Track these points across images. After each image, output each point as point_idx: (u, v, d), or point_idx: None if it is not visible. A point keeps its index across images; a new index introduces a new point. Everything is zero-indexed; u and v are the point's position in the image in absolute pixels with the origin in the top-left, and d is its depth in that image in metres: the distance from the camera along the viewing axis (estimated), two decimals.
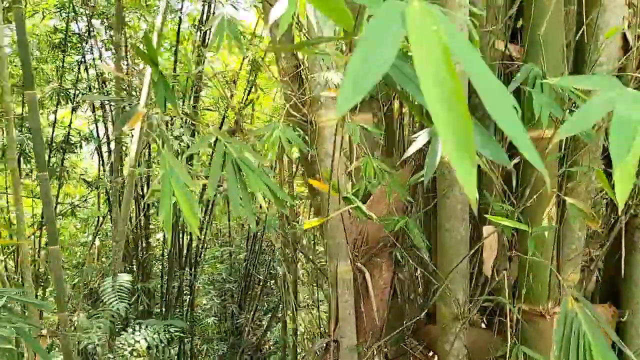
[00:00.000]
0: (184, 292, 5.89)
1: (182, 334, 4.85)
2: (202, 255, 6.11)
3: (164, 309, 5.63)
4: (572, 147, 1.56)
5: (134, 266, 5.55)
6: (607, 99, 0.79)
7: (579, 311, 1.06)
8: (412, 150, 1.17)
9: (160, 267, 6.01)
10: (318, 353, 1.80)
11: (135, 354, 3.58)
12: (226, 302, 6.06)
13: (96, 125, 5.33)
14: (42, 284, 5.29)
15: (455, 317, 1.74)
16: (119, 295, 3.32)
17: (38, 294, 4.66)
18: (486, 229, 1.57)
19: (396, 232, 1.94)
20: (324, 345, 1.83)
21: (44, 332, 2.36)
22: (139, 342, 3.56)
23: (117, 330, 4.19)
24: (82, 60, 4.95)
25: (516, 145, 0.48)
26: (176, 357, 5.36)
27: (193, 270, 5.72)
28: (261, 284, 5.82)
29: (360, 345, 1.92)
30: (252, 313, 6.10)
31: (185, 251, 5.65)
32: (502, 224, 1.36)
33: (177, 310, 5.75)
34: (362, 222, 1.93)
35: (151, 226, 6.02)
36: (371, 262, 1.93)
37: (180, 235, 5.64)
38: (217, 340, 6.10)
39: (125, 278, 3.59)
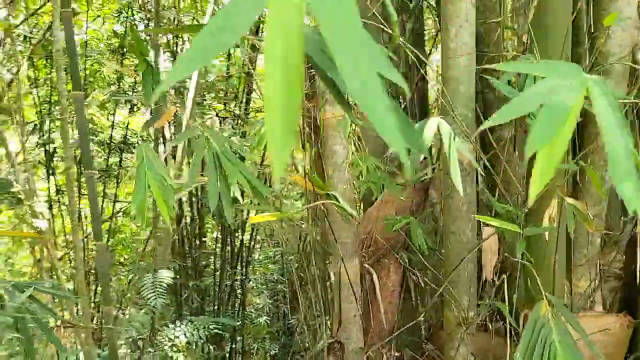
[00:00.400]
0: (236, 290, 6.05)
1: (232, 332, 4.99)
2: (252, 255, 6.25)
3: (216, 307, 5.80)
4: (582, 145, 1.48)
5: (188, 264, 5.76)
6: (551, 86, 0.77)
7: (552, 318, 1.01)
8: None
9: (213, 266, 6.20)
10: (321, 353, 1.81)
11: (174, 349, 3.72)
12: (278, 302, 6.16)
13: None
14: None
15: (460, 322, 1.69)
16: (157, 290, 3.46)
17: (91, 288, 4.94)
18: (486, 231, 1.52)
19: (406, 233, 1.91)
20: (327, 345, 1.83)
21: (58, 323, 2.52)
22: (178, 337, 3.70)
23: (163, 325, 4.36)
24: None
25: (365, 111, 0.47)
26: (227, 355, 5.52)
27: (244, 269, 5.87)
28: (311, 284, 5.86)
29: (367, 348, 1.91)
30: (303, 314, 6.14)
31: (237, 250, 5.80)
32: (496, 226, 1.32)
33: (229, 308, 5.91)
34: (371, 222, 1.92)
35: (207, 225, 6.22)
36: (379, 263, 1.91)
37: (233, 235, 5.79)
38: (268, 340, 6.21)
39: (165, 274, 3.74)
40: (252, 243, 6.09)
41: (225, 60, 5.22)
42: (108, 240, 6.51)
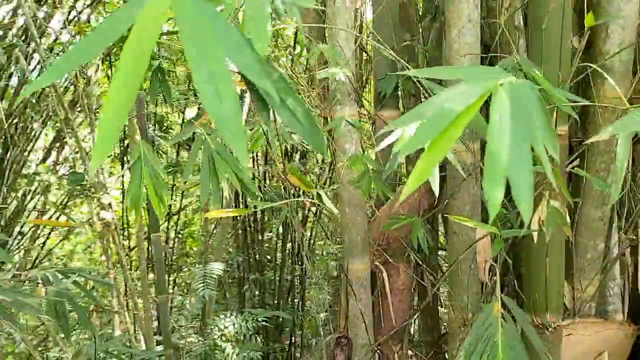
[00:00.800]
0: (296, 285, 6.21)
1: (292, 326, 5.16)
2: (313, 251, 6.39)
3: (276, 301, 6.01)
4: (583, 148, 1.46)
5: (251, 259, 5.99)
6: (454, 93, 0.83)
7: (502, 319, 1.03)
8: (381, 147, 1.22)
9: (274, 260, 6.40)
10: (328, 348, 1.89)
11: (223, 339, 3.93)
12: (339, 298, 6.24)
13: None
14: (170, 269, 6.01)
15: (462, 323, 1.71)
16: (206, 282, 3.68)
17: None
18: (478, 232, 1.53)
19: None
20: (335, 340, 1.91)
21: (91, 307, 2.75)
22: (227, 327, 3.90)
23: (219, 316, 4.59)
24: None
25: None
26: (287, 348, 5.71)
27: (304, 265, 6.02)
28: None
29: (376, 345, 1.97)
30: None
31: (298, 246, 5.95)
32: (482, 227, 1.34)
33: (289, 302, 6.09)
34: (383, 221, 1.97)
35: (270, 221, 6.44)
36: (390, 262, 1.96)
37: (294, 231, 5.95)
38: (327, 335, 6.30)
39: (216, 267, 3.96)
40: (313, 239, 6.23)
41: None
42: (179, 233, 6.92)
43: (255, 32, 0.72)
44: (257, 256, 6.06)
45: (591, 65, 1.30)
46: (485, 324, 1.04)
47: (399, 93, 2.09)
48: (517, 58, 1.31)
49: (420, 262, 1.95)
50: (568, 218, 1.59)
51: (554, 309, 1.53)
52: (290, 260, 5.89)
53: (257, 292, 5.90)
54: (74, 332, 4.26)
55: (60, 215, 5.38)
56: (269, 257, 6.35)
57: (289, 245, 5.83)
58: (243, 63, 0.61)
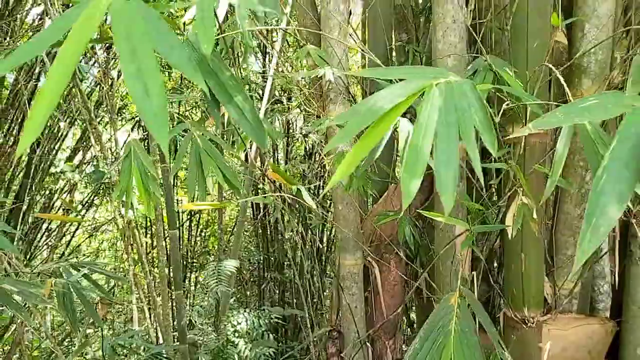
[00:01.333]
0: (315, 283, 6.29)
1: (311, 325, 5.23)
2: (332, 251, 6.46)
3: (295, 299, 6.11)
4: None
5: (271, 257, 6.11)
6: (387, 92, 0.91)
7: (458, 309, 1.09)
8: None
9: (293, 259, 6.50)
10: (319, 341, 1.96)
11: (237, 334, 4.04)
12: None
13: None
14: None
15: None
16: (219, 279, 3.79)
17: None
18: (458, 228, 1.59)
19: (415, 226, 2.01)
20: (326, 334, 1.98)
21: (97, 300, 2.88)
22: (240, 324, 4.01)
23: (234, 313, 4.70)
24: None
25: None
26: (307, 346, 5.80)
27: (323, 264, 6.10)
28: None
29: (368, 338, 2.03)
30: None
31: (317, 246, 6.03)
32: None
33: (308, 301, 6.15)
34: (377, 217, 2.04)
35: (290, 220, 6.54)
36: (382, 258, 2.03)
37: (314, 231, 6.04)
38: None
39: (230, 264, 4.07)
40: (333, 238, 6.30)
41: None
42: (202, 231, 7.10)
43: (202, 34, 0.81)
44: (276, 255, 6.18)
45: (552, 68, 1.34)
46: (441, 314, 1.10)
47: None
48: (488, 58, 1.37)
49: (411, 258, 2.01)
50: (549, 214, 1.64)
51: (533, 304, 1.57)
52: (309, 260, 5.97)
53: (276, 290, 6.01)
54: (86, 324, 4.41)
55: (77, 212, 5.58)
56: (289, 255, 6.46)
57: (308, 244, 5.92)
58: (177, 61, 0.69)
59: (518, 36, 1.51)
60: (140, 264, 4.63)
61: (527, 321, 1.57)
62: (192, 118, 6.30)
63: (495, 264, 1.85)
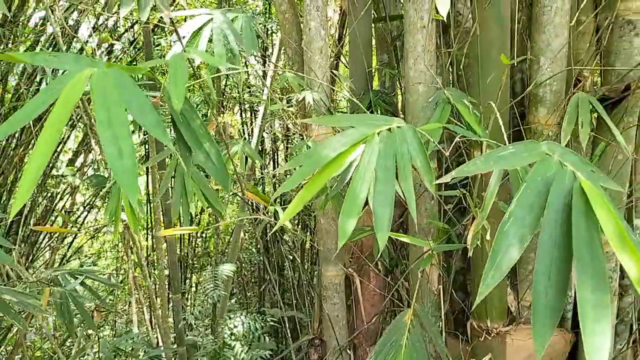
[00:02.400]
0: (315, 285, 6.43)
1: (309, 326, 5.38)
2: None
3: (295, 300, 6.25)
4: None
5: (271, 258, 6.25)
6: (338, 139, 1.04)
7: (411, 325, 1.24)
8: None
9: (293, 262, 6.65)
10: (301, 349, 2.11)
11: (233, 337, 4.20)
12: None
13: (243, 125, 6.09)
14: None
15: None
16: (215, 283, 3.95)
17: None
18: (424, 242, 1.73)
19: (390, 240, 2.15)
20: (308, 342, 2.13)
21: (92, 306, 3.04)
22: (236, 327, 4.17)
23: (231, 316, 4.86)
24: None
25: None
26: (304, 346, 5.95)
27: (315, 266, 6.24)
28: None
29: (355, 347, 2.18)
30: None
31: (315, 250, 6.17)
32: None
33: (307, 303, 6.31)
34: (357, 230, 2.19)
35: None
36: (362, 268, 2.18)
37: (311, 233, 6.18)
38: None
39: (226, 268, 4.23)
40: None
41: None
42: (203, 233, 7.26)
43: (173, 91, 0.96)
44: (276, 256, 6.33)
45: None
46: (395, 329, 1.24)
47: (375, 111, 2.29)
48: (447, 91, 1.51)
49: (389, 269, 2.16)
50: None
51: (495, 315, 1.71)
52: (309, 261, 6.13)
53: (276, 292, 6.16)
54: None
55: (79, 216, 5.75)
56: (290, 257, 6.61)
57: (307, 246, 6.07)
58: (147, 124, 0.84)
59: (482, 67, 1.65)
60: (140, 267, 4.80)
61: (490, 332, 1.71)
62: None
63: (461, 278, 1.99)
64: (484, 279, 0.82)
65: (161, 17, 5.29)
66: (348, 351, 2.15)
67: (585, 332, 0.73)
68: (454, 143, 1.35)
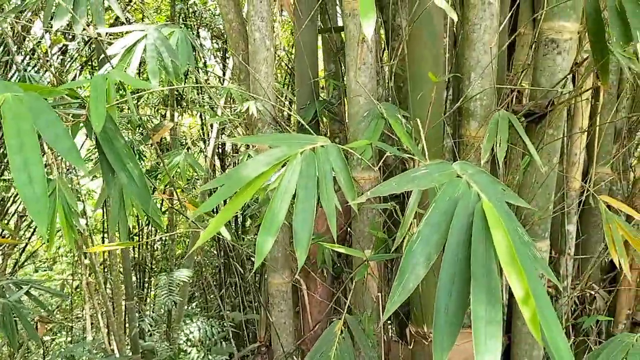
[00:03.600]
0: None
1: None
2: None
3: (255, 303, 6.25)
4: None
5: (232, 261, 6.22)
6: (259, 159, 1.06)
7: (341, 334, 1.28)
8: None
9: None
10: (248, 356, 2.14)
11: (189, 343, 4.19)
12: None
13: (202, 127, 6.06)
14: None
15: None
16: (170, 289, 3.93)
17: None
18: (367, 252, 1.78)
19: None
20: (255, 349, 2.16)
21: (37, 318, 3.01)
22: (192, 332, 4.15)
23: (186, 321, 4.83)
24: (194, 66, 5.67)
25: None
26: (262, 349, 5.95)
27: None
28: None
29: (302, 353, 2.22)
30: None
31: None
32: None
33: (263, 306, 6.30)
34: None
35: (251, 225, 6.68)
36: (309, 276, 2.21)
37: None
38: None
39: (182, 273, 4.21)
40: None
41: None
42: (162, 236, 7.16)
43: (94, 113, 0.97)
44: (237, 259, 6.31)
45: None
46: (326, 340, 1.29)
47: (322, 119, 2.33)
48: (381, 105, 1.56)
49: (335, 276, 2.20)
50: None
51: (432, 321, 1.77)
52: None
53: (237, 295, 6.16)
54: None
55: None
56: (251, 259, 6.61)
57: None
58: (61, 149, 0.85)
59: (415, 82, 1.71)
60: (94, 272, 4.73)
61: (427, 336, 1.77)
62: (152, 122, 6.39)
63: None
64: (391, 296, 0.87)
65: (117, 17, 5.24)
66: (295, 358, 2.19)
67: (477, 350, 0.79)
68: (382, 158, 1.40)
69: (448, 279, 0.87)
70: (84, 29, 1.27)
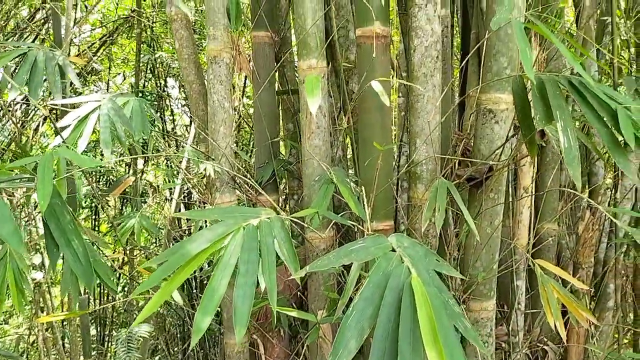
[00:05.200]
0: None
1: None
2: None
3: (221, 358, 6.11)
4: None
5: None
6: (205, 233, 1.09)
7: None
8: None
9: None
10: None
11: None
12: None
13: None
14: None
15: None
16: (129, 345, 3.84)
17: None
18: (320, 313, 1.81)
19: (292, 306, 2.21)
20: None
21: None
22: None
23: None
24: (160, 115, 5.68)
25: None
26: None
27: None
28: None
29: None
30: None
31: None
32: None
33: None
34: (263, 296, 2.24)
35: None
36: (266, 334, 2.22)
37: None
38: None
39: (144, 328, 4.13)
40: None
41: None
42: (125, 287, 7.02)
43: (40, 193, 1.00)
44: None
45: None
46: None
47: (279, 178, 2.39)
48: (332, 170, 1.63)
49: (292, 335, 2.22)
50: None
51: None
52: None
53: (201, 348, 6.03)
54: None
55: None
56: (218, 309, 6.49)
57: None
58: (4, 234, 0.88)
59: (364, 148, 1.79)
60: (51, 328, 4.60)
61: None
62: (116, 171, 6.36)
63: None
64: None
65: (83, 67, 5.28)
66: None
67: None
68: (332, 224, 1.46)
69: (379, 354, 0.91)
70: (40, 102, 1.31)
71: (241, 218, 1.13)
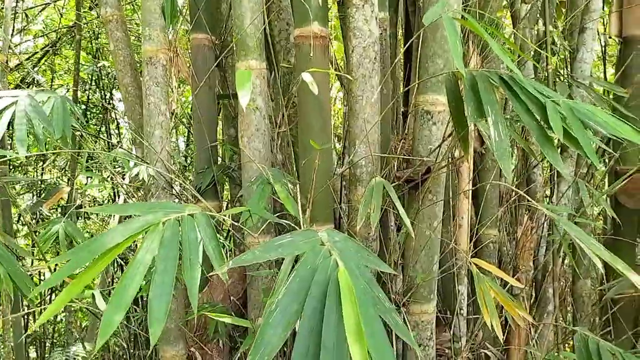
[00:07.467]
0: None
1: None
2: None
3: None
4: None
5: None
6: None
7: None
8: None
9: None
10: None
11: None
12: None
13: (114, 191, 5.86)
14: None
15: None
16: None
17: None
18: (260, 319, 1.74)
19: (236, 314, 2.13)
20: None
21: None
22: None
23: None
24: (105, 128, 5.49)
25: None
26: None
27: None
28: None
29: None
30: None
31: None
32: None
33: None
34: (199, 307, 2.15)
35: None
36: (205, 347, 2.13)
37: None
38: None
39: (81, 348, 3.93)
40: None
41: None
42: (67, 306, 6.70)
43: None
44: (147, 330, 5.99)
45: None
46: None
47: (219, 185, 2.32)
48: (268, 172, 1.58)
49: (232, 347, 2.14)
50: None
51: None
52: None
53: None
54: None
55: None
56: None
57: None
58: None
59: (305, 149, 1.75)
60: None
61: None
62: (59, 183, 6.11)
63: None
64: None
65: (22, 78, 5.09)
66: None
67: None
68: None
69: (303, 350, 0.86)
70: None
71: (162, 214, 1.06)
